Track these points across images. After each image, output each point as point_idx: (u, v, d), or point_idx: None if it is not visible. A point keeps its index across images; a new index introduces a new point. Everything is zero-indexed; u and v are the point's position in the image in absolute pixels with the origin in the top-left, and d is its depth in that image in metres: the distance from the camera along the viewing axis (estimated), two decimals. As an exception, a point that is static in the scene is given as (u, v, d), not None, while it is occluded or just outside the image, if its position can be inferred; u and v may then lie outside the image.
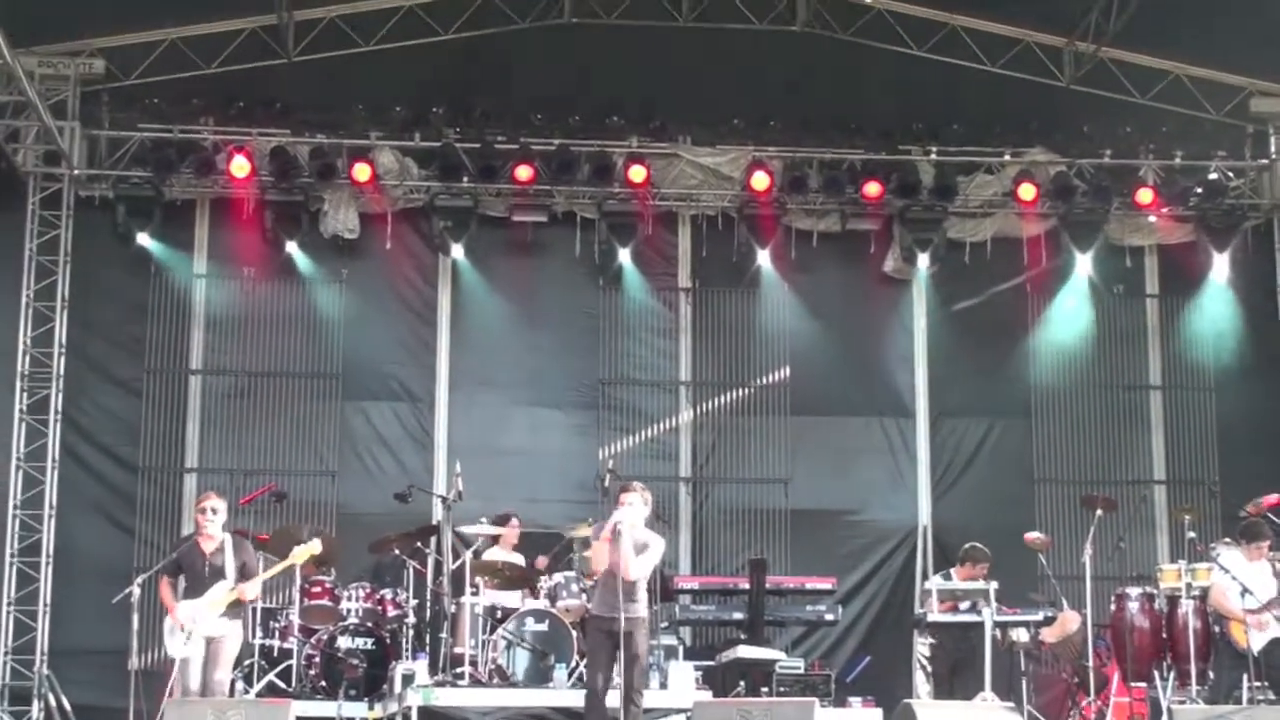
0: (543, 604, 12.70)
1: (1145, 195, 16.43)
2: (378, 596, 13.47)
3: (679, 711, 11.69)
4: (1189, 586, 12.55)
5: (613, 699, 10.70)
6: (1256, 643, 12.05)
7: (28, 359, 15.64)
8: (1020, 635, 13.18)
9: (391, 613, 13.38)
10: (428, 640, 13.24)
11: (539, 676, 12.11)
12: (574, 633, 12.28)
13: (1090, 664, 13.00)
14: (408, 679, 11.74)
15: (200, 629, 11.26)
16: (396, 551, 13.51)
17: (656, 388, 16.59)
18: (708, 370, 16.62)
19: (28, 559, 15.31)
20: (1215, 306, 16.71)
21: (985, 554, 13.44)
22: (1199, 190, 16.51)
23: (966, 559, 13.51)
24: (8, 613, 15.18)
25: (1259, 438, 16.32)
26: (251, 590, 11.45)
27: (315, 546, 11.99)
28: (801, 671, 14.04)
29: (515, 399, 16.34)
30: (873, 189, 16.17)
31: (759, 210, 16.35)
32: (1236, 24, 15.25)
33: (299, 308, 16.24)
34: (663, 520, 14.12)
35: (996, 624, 12.64)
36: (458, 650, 12.27)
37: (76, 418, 15.82)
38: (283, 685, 13.01)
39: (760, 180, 16.04)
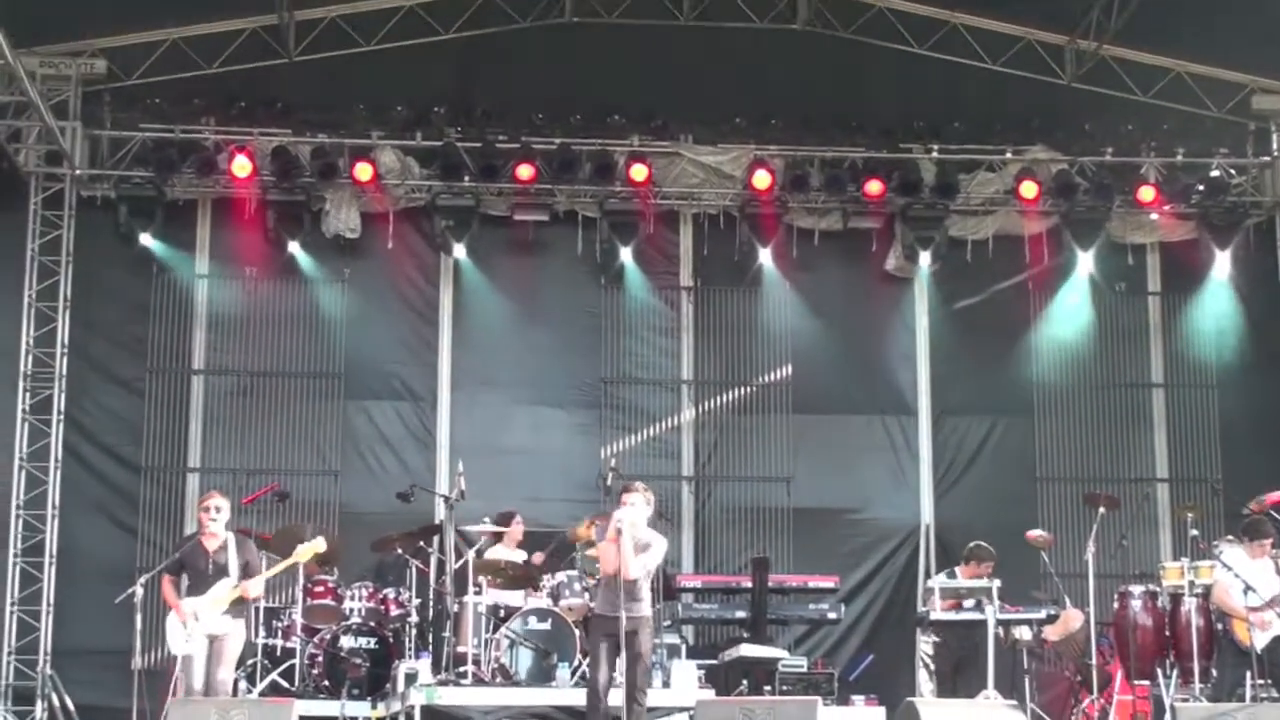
0: (545, 603, 12.71)
1: (1147, 193, 16.43)
2: (380, 596, 13.48)
3: (682, 710, 11.70)
4: (1192, 584, 12.53)
5: (615, 697, 10.71)
6: (1259, 640, 12.03)
7: (30, 359, 15.65)
8: (1023, 633, 13.19)
9: (394, 612, 13.39)
10: (430, 639, 13.23)
11: (542, 675, 12.11)
12: (577, 632, 12.29)
13: (1093, 662, 12.98)
14: (411, 678, 11.76)
15: (203, 627, 11.28)
16: (399, 551, 13.52)
17: (658, 386, 16.59)
18: (710, 369, 16.62)
19: (31, 559, 15.32)
20: (1217, 304, 16.71)
21: (990, 553, 13.44)
22: (1201, 188, 16.50)
23: (971, 558, 13.51)
24: (11, 613, 15.17)
25: (1261, 435, 16.31)
26: (254, 588, 11.47)
27: (319, 544, 12.01)
28: (804, 670, 14.04)
29: (517, 398, 16.35)
30: (874, 187, 16.17)
31: (760, 209, 16.35)
32: (1238, 21, 15.25)
33: (301, 307, 16.24)
34: (665, 519, 14.14)
35: (999, 622, 12.64)
36: (460, 649, 12.26)
37: (79, 418, 15.82)
38: (286, 684, 13.02)
39: (762, 179, 16.04)
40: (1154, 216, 16.74)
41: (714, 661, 13.86)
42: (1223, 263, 16.59)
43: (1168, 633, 12.62)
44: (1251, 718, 11.15)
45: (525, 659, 12.25)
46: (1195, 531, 13.10)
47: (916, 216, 16.41)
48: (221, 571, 11.43)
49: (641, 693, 10.70)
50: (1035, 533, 13.84)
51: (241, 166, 15.65)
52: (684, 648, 14.02)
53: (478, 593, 12.52)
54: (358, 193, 16.07)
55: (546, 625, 12.37)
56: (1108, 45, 16.36)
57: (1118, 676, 13.06)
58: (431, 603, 13.39)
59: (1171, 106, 16.65)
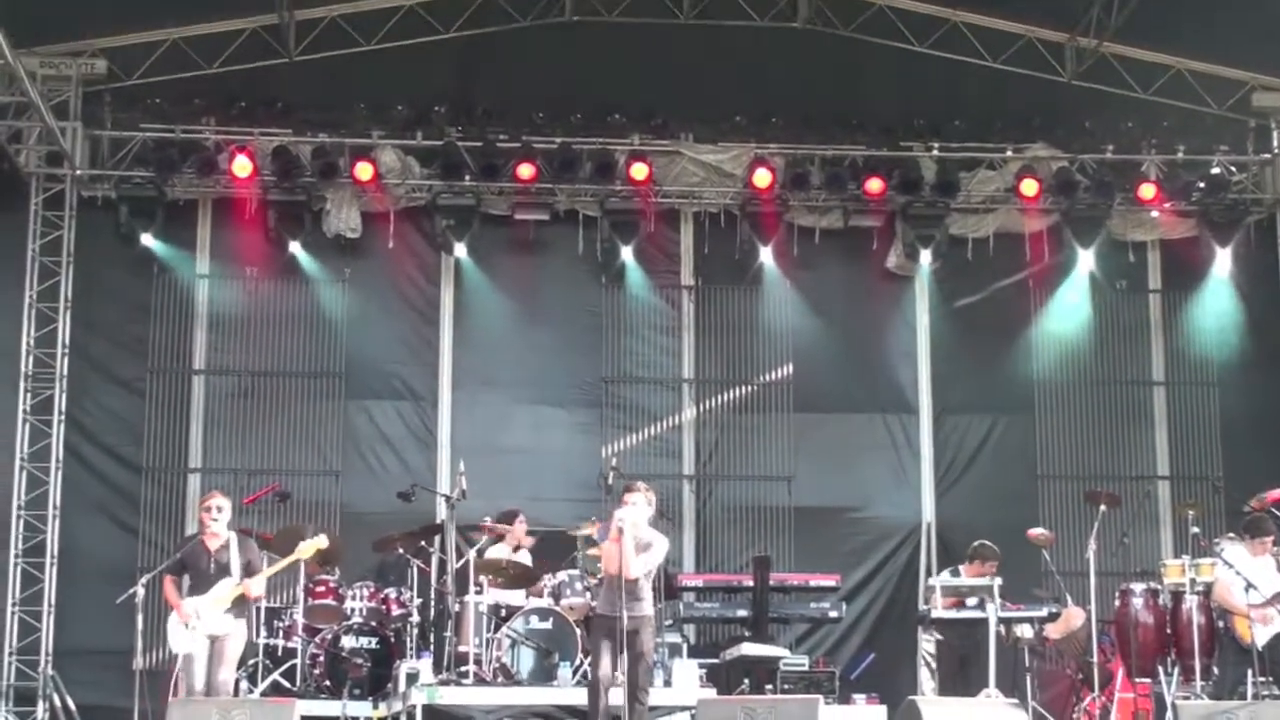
0: (547, 602, 12.71)
1: (1147, 190, 16.43)
2: (382, 596, 13.48)
3: (683, 709, 11.70)
4: (1193, 582, 12.53)
5: (617, 696, 10.72)
6: (1261, 638, 12.05)
7: (31, 359, 15.65)
8: (1024, 631, 13.18)
9: (395, 612, 13.39)
10: (432, 639, 13.20)
11: (543, 675, 12.11)
12: (578, 631, 12.29)
13: (1094, 660, 12.98)
14: (412, 678, 11.75)
15: (204, 626, 11.29)
16: (400, 550, 13.51)
17: (659, 385, 16.59)
18: (710, 368, 16.62)
19: (32, 559, 15.32)
20: (1218, 301, 16.71)
21: (994, 552, 13.42)
22: (1201, 185, 16.50)
23: (975, 556, 13.50)
24: (12, 613, 15.17)
25: (1262, 433, 16.31)
26: (256, 586, 11.49)
27: (321, 541, 12.04)
28: (806, 669, 14.04)
29: (518, 397, 16.35)
30: (875, 185, 16.17)
31: (761, 207, 16.35)
32: (1238, 19, 15.24)
33: (302, 307, 16.24)
34: (666, 518, 14.14)
35: (1000, 620, 12.62)
36: (462, 649, 12.24)
37: (80, 418, 15.82)
38: (287, 684, 13.01)
39: (762, 177, 16.03)
40: (1154, 214, 16.74)
41: (715, 660, 13.87)
42: (1223, 260, 16.58)
43: (1169, 630, 12.62)
44: (1253, 715, 11.13)
45: (527, 658, 12.26)
46: (1196, 529, 13.09)
47: (917, 215, 16.40)
48: (223, 571, 11.45)
49: (643, 691, 10.71)
50: (1036, 531, 13.85)
51: (242, 166, 15.65)
52: (685, 647, 14.02)
53: (479, 592, 12.51)
54: (358, 192, 16.08)
55: (548, 624, 12.37)
56: (1108, 43, 16.35)
57: (1119, 674, 13.05)
58: (433, 602, 13.37)
59: (1172, 104, 16.65)
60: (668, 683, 12.06)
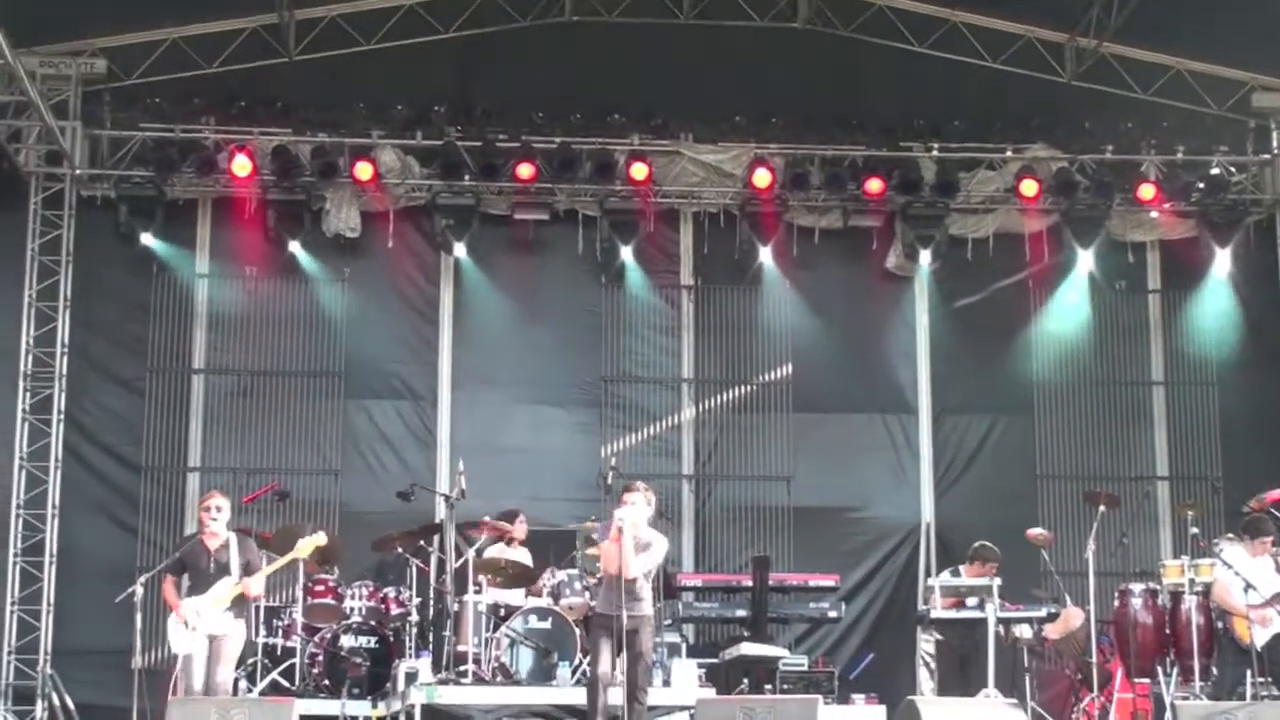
0: (546, 602, 12.71)
1: (1147, 191, 16.43)
2: (381, 595, 13.48)
3: (682, 709, 11.70)
4: (1192, 582, 12.52)
5: (616, 696, 10.72)
6: (1260, 638, 12.03)
7: (30, 359, 15.65)
8: (1023, 631, 13.17)
9: (395, 611, 13.39)
10: (431, 638, 13.22)
11: (542, 674, 12.12)
12: (577, 630, 12.29)
13: (1093, 660, 12.98)
14: (411, 677, 11.77)
15: (204, 626, 11.28)
16: (399, 550, 13.51)
17: (659, 385, 16.59)
18: (710, 367, 16.62)
19: (31, 558, 15.32)
20: (1217, 302, 16.71)
21: (995, 553, 13.41)
22: (1201, 186, 16.50)
23: (976, 557, 13.49)
24: (11, 612, 15.17)
25: (1261, 433, 16.31)
26: (255, 585, 11.48)
27: (320, 538, 12.04)
28: (805, 669, 14.04)
29: (517, 397, 16.35)
30: (874, 186, 16.17)
31: (761, 207, 16.35)
32: (1238, 19, 15.25)
33: (301, 306, 16.25)
34: (665, 518, 14.13)
35: (999, 620, 12.63)
36: (461, 648, 12.26)
37: (79, 417, 15.82)
38: (286, 684, 13.02)
39: (762, 177, 16.04)
40: (1154, 214, 16.74)
41: (714, 660, 13.87)
42: (1223, 260, 16.59)
43: (1168, 631, 12.61)
44: (1252, 716, 11.13)
45: (526, 658, 12.27)
46: (1195, 529, 13.09)
47: (917, 215, 16.41)
48: (223, 570, 11.44)
49: (642, 691, 10.72)
50: (1035, 531, 13.85)
51: (241, 166, 15.65)
52: (684, 646, 14.02)
53: (478, 592, 12.51)
54: (358, 192, 16.08)
55: (547, 624, 12.38)
56: (1108, 43, 16.36)
57: (1118, 674, 13.05)
58: (432, 602, 13.38)
59: (1171, 104, 16.65)
60: (667, 682, 12.07)
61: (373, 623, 13.23)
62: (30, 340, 15.65)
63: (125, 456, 15.88)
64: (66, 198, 15.85)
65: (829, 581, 14.88)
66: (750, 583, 14.60)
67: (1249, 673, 11.97)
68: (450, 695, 11.59)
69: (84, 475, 15.77)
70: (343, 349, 16.19)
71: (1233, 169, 16.80)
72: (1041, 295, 16.71)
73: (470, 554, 12.90)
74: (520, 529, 13.95)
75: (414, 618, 13.21)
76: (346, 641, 13.06)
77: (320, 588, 13.39)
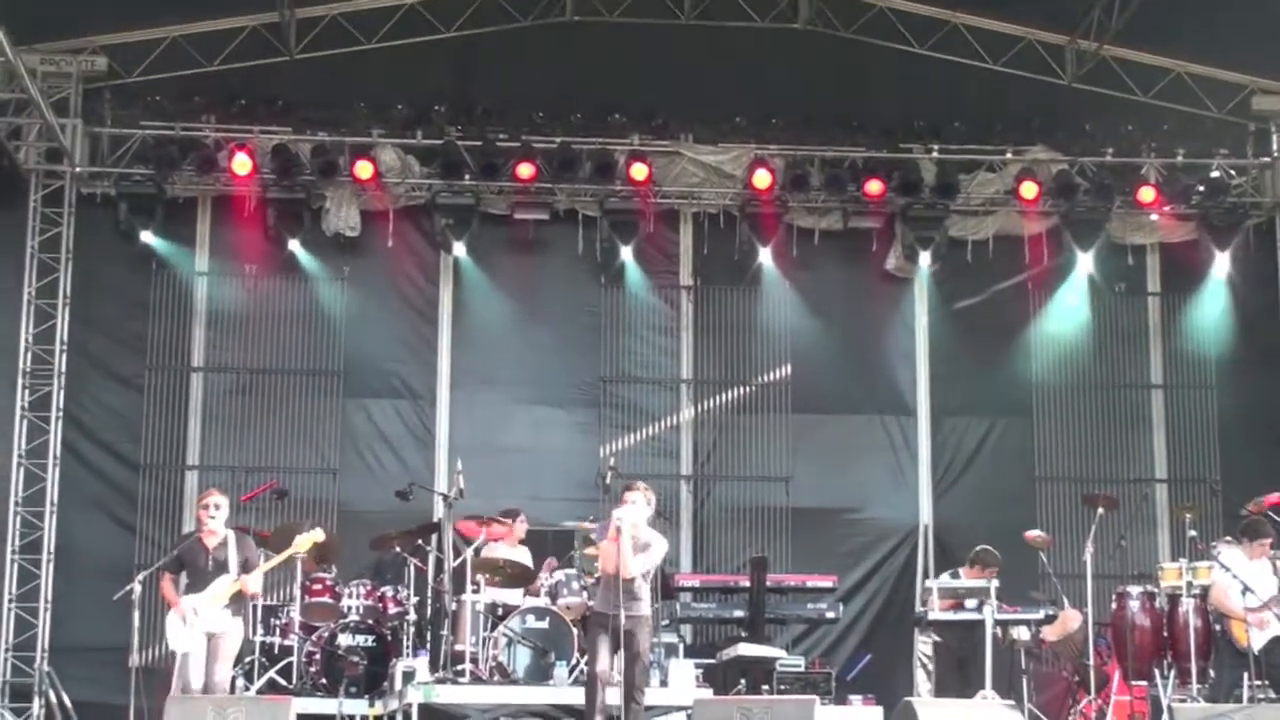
0: (543, 601, 12.71)
1: (1147, 193, 16.42)
2: (378, 594, 13.48)
3: (680, 709, 11.69)
4: (1190, 585, 12.53)
5: (614, 696, 10.72)
6: (1257, 641, 12.04)
7: (29, 356, 15.64)
8: (1021, 633, 13.18)
9: (392, 610, 13.38)
10: (428, 637, 13.24)
11: (540, 674, 12.11)
12: (575, 630, 12.29)
13: (1091, 662, 12.98)
14: (408, 676, 11.76)
15: (202, 623, 11.29)
16: (397, 549, 13.52)
17: (658, 385, 16.58)
18: (709, 368, 16.62)
19: (29, 556, 15.31)
20: (1217, 305, 16.70)
21: (996, 558, 13.39)
22: (1201, 188, 16.49)
23: (977, 561, 13.48)
24: (9, 609, 15.17)
25: (1260, 436, 16.30)
26: (254, 583, 11.50)
27: (318, 535, 12.06)
28: (802, 669, 14.01)
29: (516, 396, 16.34)
30: (874, 187, 16.16)
31: (760, 208, 16.34)
32: (1238, 21, 15.24)
33: (301, 305, 16.23)
34: (664, 518, 14.11)
35: (997, 622, 12.64)
36: (458, 647, 12.28)
37: (78, 415, 15.82)
38: (283, 682, 13.03)
39: (762, 178, 16.03)
40: (1154, 217, 16.72)
41: (712, 660, 13.86)
42: (1222, 263, 16.57)
43: (1165, 633, 12.62)
44: (1249, 718, 11.14)
45: (523, 657, 12.25)
46: (1193, 532, 13.11)
47: (917, 216, 16.40)
48: (221, 568, 11.46)
49: (640, 691, 10.74)
50: (1034, 533, 13.85)
51: (242, 164, 15.65)
52: (682, 647, 14.02)
53: (476, 591, 12.51)
54: (358, 191, 16.07)
55: (544, 624, 12.37)
56: (1108, 45, 16.36)
57: (1115, 677, 13.06)
58: (430, 601, 13.40)
59: (1172, 107, 16.65)
60: (664, 683, 12.06)
61: (370, 622, 13.24)
62: (29, 337, 15.65)
63: (124, 454, 15.86)
64: (66, 195, 15.84)
65: (827, 582, 14.86)
66: (748, 583, 14.59)
67: (1246, 675, 11.96)
68: (447, 694, 11.60)
69: (82, 473, 15.76)
70: (342, 348, 16.18)
71: (1233, 172, 16.80)
72: (1041, 297, 16.70)
73: (468, 553, 12.90)
74: (520, 528, 13.94)
75: (412, 617, 13.22)
76: (344, 640, 13.06)
77: (318, 586, 13.39)
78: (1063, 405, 16.61)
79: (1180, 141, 16.69)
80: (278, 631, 13.35)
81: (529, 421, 16.28)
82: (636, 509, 10.90)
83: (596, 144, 16.20)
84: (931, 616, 12.85)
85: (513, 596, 13.05)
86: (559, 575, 13.01)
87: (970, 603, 12.72)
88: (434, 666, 12.23)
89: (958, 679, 12.96)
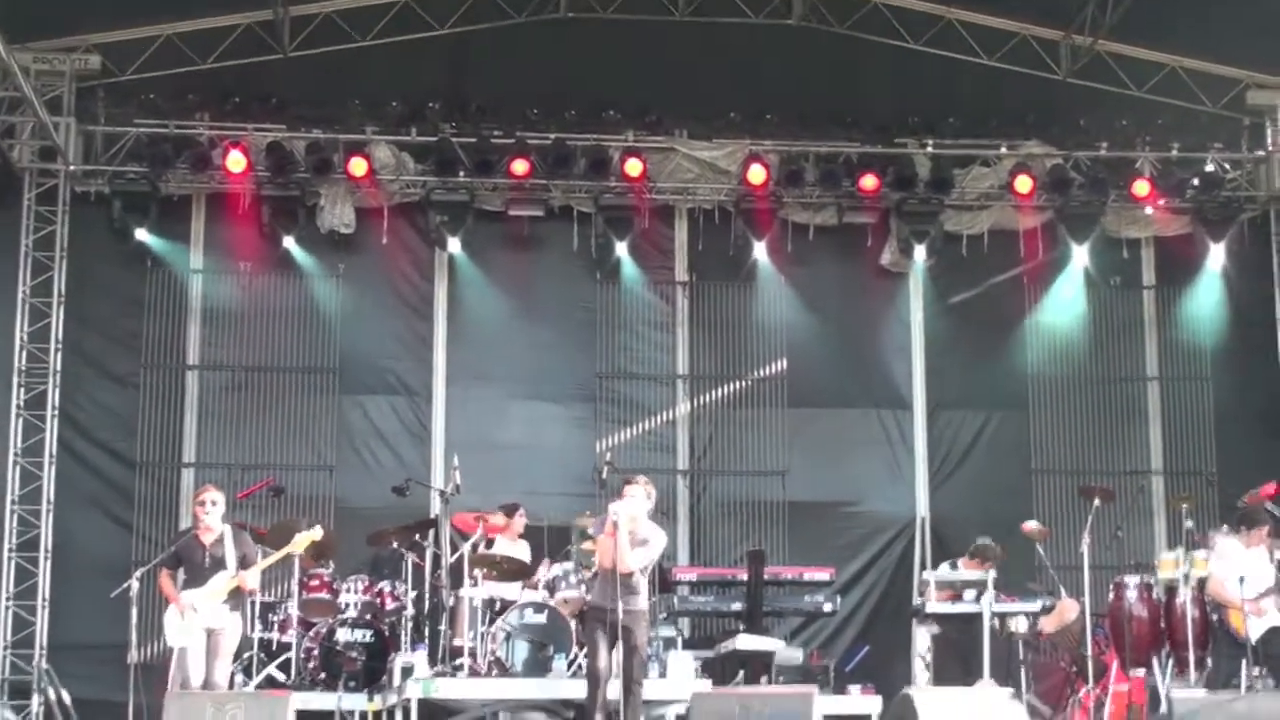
0: (541, 596, 12.71)
1: (1142, 187, 16.46)
2: (376, 589, 13.46)
3: (678, 702, 11.68)
4: (1187, 575, 12.54)
5: (613, 689, 10.71)
6: (1255, 630, 12.04)
7: (24, 354, 15.64)
8: (1019, 624, 13.15)
9: (390, 605, 13.36)
10: (426, 632, 13.22)
11: (538, 667, 12.11)
12: (572, 624, 12.29)
13: (1089, 652, 12.98)
14: (407, 671, 11.75)
15: (200, 619, 11.28)
16: (395, 544, 13.49)
17: (654, 381, 16.60)
18: (705, 363, 16.64)
19: (26, 554, 15.31)
20: (1211, 298, 16.75)
21: (995, 552, 13.37)
22: (1195, 182, 16.54)
23: (977, 554, 13.46)
24: (6, 607, 15.19)
25: (1255, 427, 16.37)
26: (252, 579, 11.49)
27: (315, 533, 12.04)
28: (800, 661, 14.01)
29: (513, 392, 16.35)
30: (869, 182, 16.19)
31: (755, 204, 16.36)
32: (1233, 16, 15.26)
33: (296, 302, 16.24)
34: (661, 512, 14.10)
35: (995, 613, 12.65)
36: (457, 642, 12.23)
37: (73, 413, 15.81)
38: (282, 677, 12.99)
39: (757, 174, 16.05)
40: (1149, 211, 16.76)
41: (710, 653, 13.86)
42: (1217, 256, 16.64)
43: (1163, 623, 12.63)
44: (1247, 707, 11.15)
45: (521, 651, 12.24)
46: (1190, 523, 13.10)
47: (911, 211, 16.42)
48: (218, 565, 11.45)
49: (638, 684, 10.71)
50: (1031, 525, 13.85)
51: (236, 162, 15.65)
52: (680, 639, 14.04)
53: (473, 586, 12.50)
54: (352, 188, 16.08)
55: (542, 618, 12.37)
56: (1103, 40, 16.39)
57: (1113, 667, 13.06)
58: (427, 596, 13.38)
59: (1166, 101, 16.69)
60: (663, 675, 12.05)
61: (368, 617, 13.21)
62: (24, 336, 15.65)
63: (120, 452, 15.87)
64: (60, 193, 15.83)
65: (824, 575, 14.86)
66: (745, 576, 14.60)
67: (1244, 664, 11.97)
68: (446, 689, 11.57)
69: (78, 471, 15.75)
70: (337, 345, 16.19)
71: (1227, 166, 16.84)
72: (1036, 291, 16.74)
73: (465, 548, 12.88)
74: (519, 522, 13.93)
75: (409, 612, 13.20)
76: (342, 635, 13.02)
77: (315, 582, 13.38)
78: (1058, 398, 16.65)
79: (1175, 136, 16.74)
80: (276, 627, 13.31)
81: (525, 417, 16.29)
82: (635, 503, 10.89)
83: (591, 140, 16.20)
84: (929, 609, 12.85)
85: (510, 591, 13.04)
86: (557, 570, 13.03)
87: (968, 594, 12.74)
88: (432, 661, 12.20)
89: (956, 670, 12.95)
